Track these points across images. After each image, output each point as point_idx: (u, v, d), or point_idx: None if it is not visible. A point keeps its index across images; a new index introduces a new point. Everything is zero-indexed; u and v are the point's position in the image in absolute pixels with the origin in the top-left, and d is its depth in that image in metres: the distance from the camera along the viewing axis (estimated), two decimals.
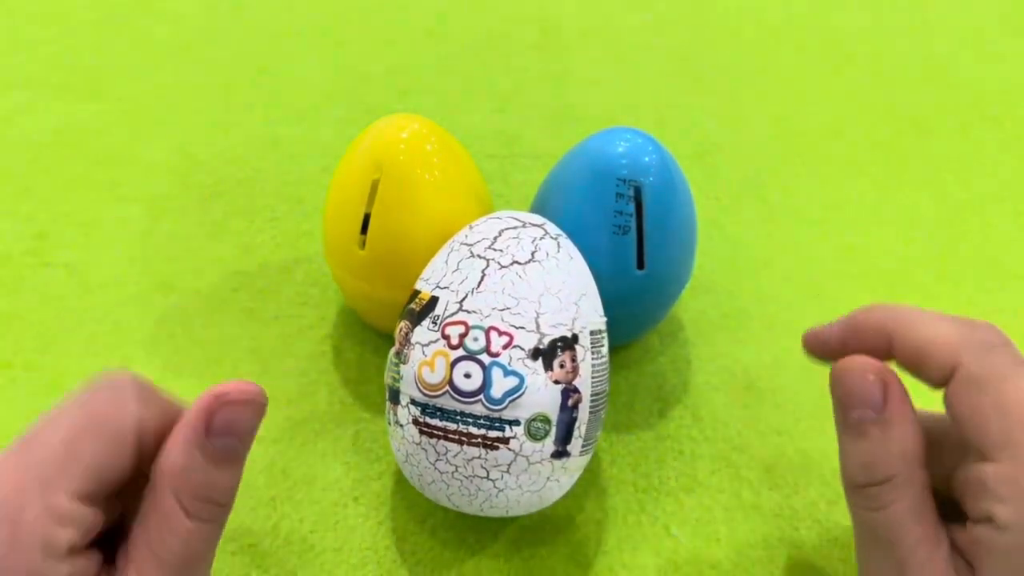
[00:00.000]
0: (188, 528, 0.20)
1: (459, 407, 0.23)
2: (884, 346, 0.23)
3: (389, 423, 0.26)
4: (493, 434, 0.23)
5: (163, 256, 0.37)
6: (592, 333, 0.25)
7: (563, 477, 0.25)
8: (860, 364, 0.22)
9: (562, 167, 0.31)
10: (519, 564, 0.27)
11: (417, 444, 0.24)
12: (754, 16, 0.57)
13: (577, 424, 0.24)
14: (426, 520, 0.28)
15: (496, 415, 0.23)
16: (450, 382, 0.23)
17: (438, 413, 0.24)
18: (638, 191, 0.28)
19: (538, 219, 0.27)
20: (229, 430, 0.20)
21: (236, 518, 0.28)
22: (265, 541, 0.27)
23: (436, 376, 0.24)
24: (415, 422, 0.24)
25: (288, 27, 0.53)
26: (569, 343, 0.24)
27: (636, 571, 0.27)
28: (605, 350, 0.26)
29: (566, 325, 0.24)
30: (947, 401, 0.21)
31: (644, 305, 0.31)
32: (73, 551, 0.19)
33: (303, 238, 0.38)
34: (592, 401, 0.25)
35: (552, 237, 0.26)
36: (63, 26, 0.52)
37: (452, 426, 0.23)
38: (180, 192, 0.40)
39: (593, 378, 0.24)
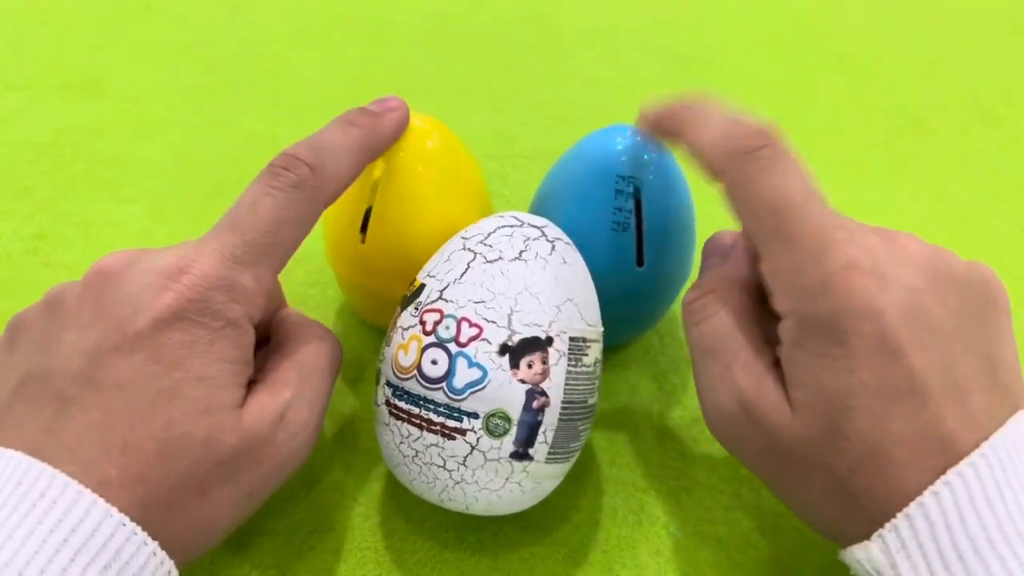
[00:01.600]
0: (321, 348, 0.25)
1: (423, 392, 0.24)
2: (677, 140, 0.25)
3: (374, 404, 0.26)
4: (451, 424, 0.23)
5: None
6: (573, 340, 0.24)
7: (525, 482, 0.24)
8: (725, 232, 0.27)
9: (561, 164, 0.31)
10: (519, 564, 0.27)
11: (387, 425, 0.25)
12: (754, 16, 0.57)
13: (542, 429, 0.24)
14: (426, 520, 0.28)
15: (456, 405, 0.23)
16: (418, 367, 0.24)
17: (405, 396, 0.24)
18: (637, 188, 0.28)
19: (541, 221, 0.27)
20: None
21: None
22: (265, 542, 0.27)
23: (408, 359, 0.24)
24: (387, 403, 0.25)
25: (288, 27, 0.53)
26: (541, 344, 0.24)
27: (636, 571, 0.27)
28: (590, 360, 0.25)
29: (541, 326, 0.24)
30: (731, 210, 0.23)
31: (643, 302, 0.31)
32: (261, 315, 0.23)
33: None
34: (565, 409, 0.24)
35: (548, 240, 0.26)
36: (63, 26, 0.52)
37: (415, 410, 0.24)
38: (180, 192, 0.40)
39: (568, 385, 0.24)
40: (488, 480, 0.24)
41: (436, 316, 0.24)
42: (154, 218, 0.39)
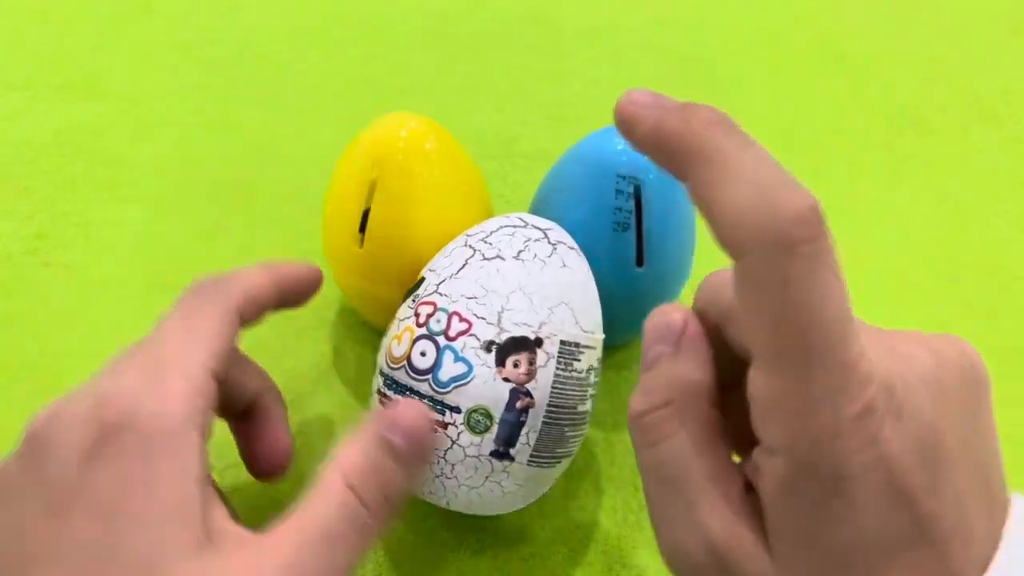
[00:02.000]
0: (341, 500, 0.20)
1: (410, 383, 0.24)
2: (680, 173, 0.18)
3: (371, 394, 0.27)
4: (434, 416, 0.23)
5: (163, 256, 0.37)
6: (564, 343, 0.24)
7: (506, 482, 0.24)
8: (670, 307, 0.21)
9: (562, 164, 0.31)
10: (519, 564, 0.27)
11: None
12: (754, 16, 0.57)
13: (525, 430, 0.24)
14: (426, 520, 0.28)
15: (440, 398, 0.23)
16: (408, 357, 0.24)
17: (394, 386, 0.24)
18: (638, 188, 0.28)
19: (546, 224, 0.27)
20: (405, 433, 0.21)
21: None
22: None
23: (400, 350, 0.24)
24: (378, 391, 0.25)
25: (288, 27, 0.53)
26: (529, 345, 0.24)
27: (636, 571, 0.27)
28: (582, 367, 0.25)
29: (531, 327, 0.24)
30: (735, 293, 0.18)
31: (643, 302, 0.31)
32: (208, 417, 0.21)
33: (303, 238, 0.38)
34: (550, 412, 0.24)
35: (550, 242, 0.26)
36: (63, 26, 0.52)
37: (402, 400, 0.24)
38: (180, 192, 0.40)
39: (555, 389, 0.24)
40: (468, 476, 0.24)
41: (430, 309, 0.24)
42: (154, 218, 0.39)
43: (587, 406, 0.25)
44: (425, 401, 0.24)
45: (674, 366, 0.20)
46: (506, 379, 0.23)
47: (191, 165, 0.42)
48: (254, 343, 0.33)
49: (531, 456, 0.24)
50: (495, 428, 0.23)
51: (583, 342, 0.25)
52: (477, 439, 0.23)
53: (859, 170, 0.44)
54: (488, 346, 0.23)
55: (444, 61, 0.51)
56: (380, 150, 0.28)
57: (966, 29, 0.56)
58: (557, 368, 0.24)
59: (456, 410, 0.23)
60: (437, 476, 0.24)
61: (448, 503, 0.25)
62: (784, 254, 0.17)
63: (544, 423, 0.24)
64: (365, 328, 0.34)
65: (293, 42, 0.52)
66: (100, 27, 0.52)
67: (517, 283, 0.24)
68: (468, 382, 0.23)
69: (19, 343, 0.33)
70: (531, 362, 0.24)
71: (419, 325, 0.24)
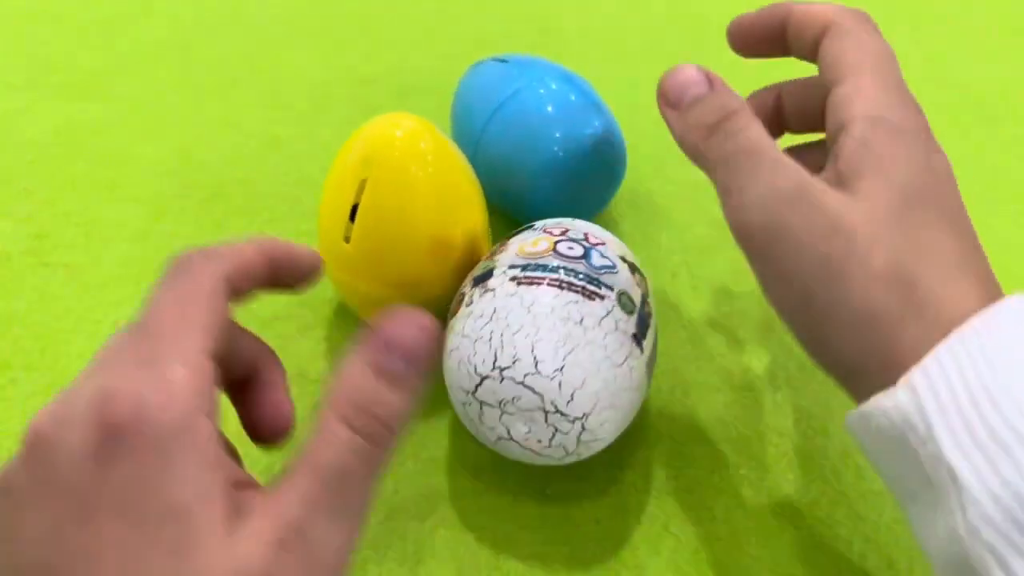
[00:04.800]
0: (343, 438, 0.19)
1: (563, 263, 0.26)
2: (781, 27, 0.28)
3: (452, 316, 0.27)
4: (592, 288, 0.26)
5: (163, 256, 0.37)
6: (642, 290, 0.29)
7: (634, 374, 0.26)
8: (680, 66, 0.26)
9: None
10: (519, 564, 0.27)
11: (511, 295, 0.26)
12: None
13: (649, 329, 0.27)
14: (427, 520, 0.28)
15: (596, 276, 0.26)
16: (554, 249, 0.27)
17: (540, 268, 0.26)
18: None
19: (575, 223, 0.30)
20: (403, 352, 0.20)
21: None
22: None
23: (539, 248, 0.27)
24: (512, 279, 0.26)
25: (288, 27, 0.53)
26: (639, 271, 0.29)
27: (636, 571, 0.27)
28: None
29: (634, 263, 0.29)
30: (819, 53, 0.25)
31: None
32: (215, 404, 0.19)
33: (302, 238, 0.38)
34: (654, 331, 0.28)
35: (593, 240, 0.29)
36: (63, 26, 0.52)
37: (555, 276, 0.26)
38: (180, 192, 0.40)
39: (651, 311, 0.28)
40: (614, 349, 0.25)
41: (561, 228, 0.29)
42: (154, 218, 0.39)
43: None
44: (582, 276, 0.26)
45: (719, 95, 0.25)
46: (638, 284, 0.28)
47: (191, 165, 0.42)
48: None
49: (648, 356, 0.27)
50: (636, 314, 0.26)
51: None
52: (626, 317, 0.26)
53: None
54: (622, 259, 0.28)
55: (444, 61, 0.51)
56: (371, 149, 0.28)
57: (966, 29, 0.56)
58: (648, 298, 0.28)
59: (610, 288, 0.26)
60: (588, 342, 0.25)
61: (584, 381, 0.24)
62: (861, 21, 0.26)
63: (654, 334, 0.28)
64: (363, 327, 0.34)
65: (293, 42, 0.52)
66: (100, 27, 0.52)
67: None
68: (616, 273, 0.27)
69: (19, 343, 0.33)
70: (640, 284, 0.28)
71: (556, 236, 0.28)
